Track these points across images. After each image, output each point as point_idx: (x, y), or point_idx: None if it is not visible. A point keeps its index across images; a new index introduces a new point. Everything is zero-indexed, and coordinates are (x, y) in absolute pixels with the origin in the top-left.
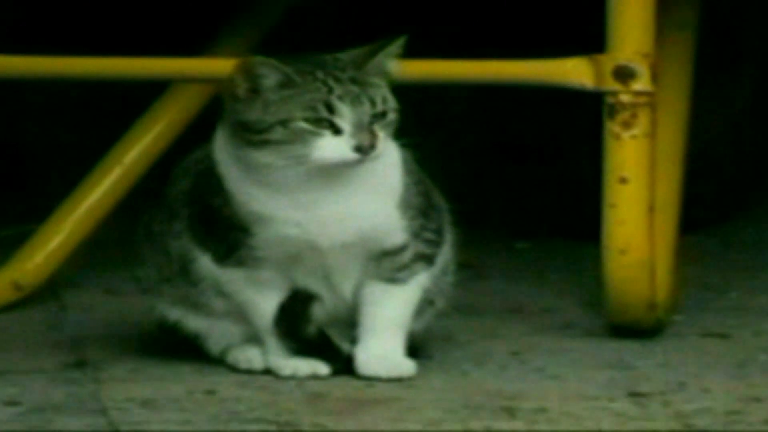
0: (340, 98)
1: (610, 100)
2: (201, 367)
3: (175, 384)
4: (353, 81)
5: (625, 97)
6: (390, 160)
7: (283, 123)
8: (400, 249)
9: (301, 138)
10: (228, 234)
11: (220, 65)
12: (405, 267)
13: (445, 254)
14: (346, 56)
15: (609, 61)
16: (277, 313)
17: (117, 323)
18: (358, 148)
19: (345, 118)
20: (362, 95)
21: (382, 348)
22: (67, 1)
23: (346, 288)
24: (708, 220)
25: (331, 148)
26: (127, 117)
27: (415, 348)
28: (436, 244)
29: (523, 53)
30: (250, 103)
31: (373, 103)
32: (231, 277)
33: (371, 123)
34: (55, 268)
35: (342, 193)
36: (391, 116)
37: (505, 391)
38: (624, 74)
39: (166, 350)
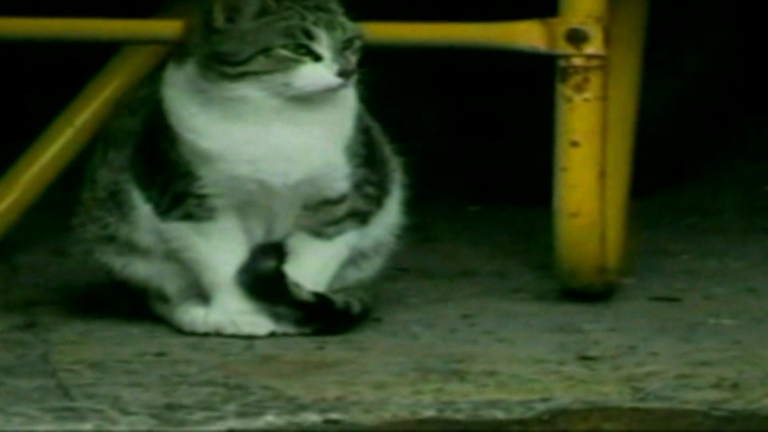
0: (316, 24)
1: (562, 63)
2: (151, 329)
3: (125, 346)
4: (319, 8)
5: (577, 61)
6: (346, 99)
7: (264, 52)
8: (340, 199)
9: (283, 66)
10: (172, 183)
11: (170, 27)
12: (336, 222)
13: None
14: None
15: (561, 24)
16: (248, 279)
17: (67, 285)
18: (342, 73)
19: (323, 44)
20: (334, 21)
21: None
22: None
23: (279, 235)
24: (659, 184)
25: (314, 74)
26: (79, 79)
27: (365, 308)
28: (376, 201)
29: (475, 16)
30: (228, 33)
31: (344, 29)
32: (178, 232)
33: (344, 49)
34: (5, 229)
35: (296, 128)
36: (358, 43)
37: (455, 354)
38: (576, 37)
39: (116, 312)
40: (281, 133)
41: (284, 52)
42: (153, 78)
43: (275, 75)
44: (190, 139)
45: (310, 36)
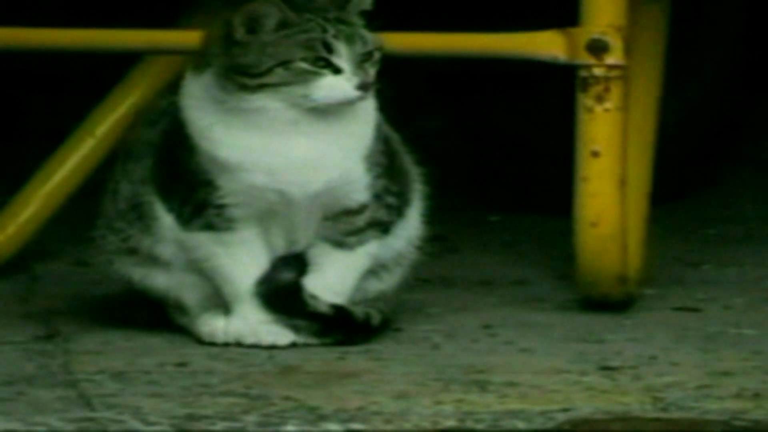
0: (336, 37)
1: (583, 73)
2: (172, 339)
3: (146, 356)
4: (340, 21)
5: (598, 71)
6: (366, 109)
7: (284, 64)
8: (360, 209)
9: (302, 79)
10: (193, 193)
11: (192, 37)
12: (357, 232)
13: (417, 209)
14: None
15: (582, 35)
16: (266, 291)
17: (88, 295)
18: (362, 86)
19: (343, 56)
20: (354, 34)
21: None
22: None
23: (301, 245)
24: (679, 193)
25: (333, 87)
26: (99, 88)
27: (386, 319)
28: (396, 211)
29: (495, 26)
30: (248, 45)
31: (364, 41)
32: (199, 242)
33: (364, 61)
34: (26, 239)
35: (314, 139)
36: (377, 55)
37: (476, 365)
38: (597, 48)
39: (137, 322)
40: (300, 144)
41: (303, 65)
42: (172, 89)
43: (294, 87)
44: (207, 148)
45: (329, 49)
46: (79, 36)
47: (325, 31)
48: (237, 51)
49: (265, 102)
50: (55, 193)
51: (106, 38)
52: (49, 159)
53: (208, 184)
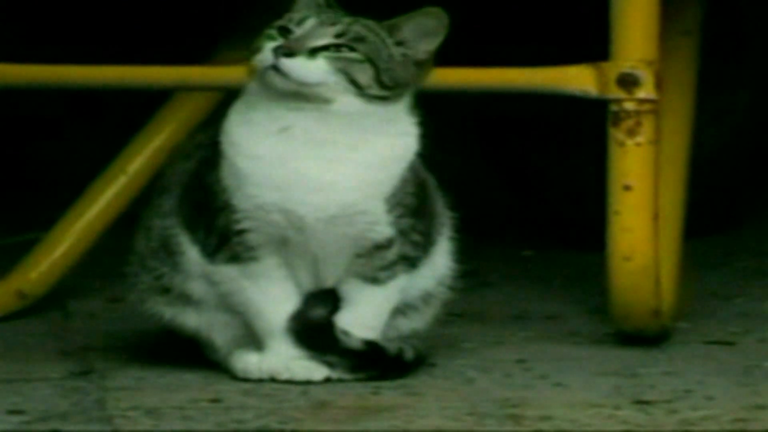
0: (304, 18)
1: (614, 107)
2: (206, 376)
3: (180, 392)
4: (340, 17)
5: (629, 105)
6: (403, 149)
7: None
8: (388, 243)
9: (263, 45)
10: (215, 220)
11: (223, 73)
12: (388, 266)
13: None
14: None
15: (613, 69)
16: (298, 326)
17: (122, 331)
18: (276, 48)
19: (294, 30)
20: (328, 22)
21: None
22: (71, 10)
23: (330, 282)
24: (712, 226)
25: (266, 51)
26: (130, 126)
27: (419, 355)
28: (422, 247)
29: (526, 60)
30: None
31: (336, 32)
32: (226, 276)
33: (324, 48)
34: (59, 276)
35: (336, 163)
36: (352, 54)
37: (511, 399)
38: (628, 82)
39: (171, 358)
40: (317, 164)
41: (268, 31)
42: (208, 124)
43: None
44: (230, 155)
45: (291, 20)
46: (111, 73)
47: (309, 13)
48: None
49: (253, 83)
50: (87, 230)
51: (138, 75)
52: (82, 196)
53: (227, 207)
